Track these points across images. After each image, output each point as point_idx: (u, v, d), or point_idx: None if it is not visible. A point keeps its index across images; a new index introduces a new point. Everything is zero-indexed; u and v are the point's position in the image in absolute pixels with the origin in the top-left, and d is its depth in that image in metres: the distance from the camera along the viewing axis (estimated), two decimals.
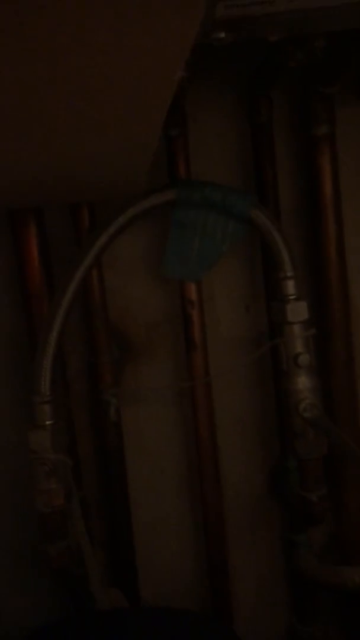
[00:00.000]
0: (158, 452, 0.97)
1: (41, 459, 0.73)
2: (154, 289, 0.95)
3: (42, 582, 0.94)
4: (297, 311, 0.79)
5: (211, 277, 0.93)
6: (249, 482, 0.99)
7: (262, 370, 0.96)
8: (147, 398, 0.96)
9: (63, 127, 0.38)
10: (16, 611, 0.96)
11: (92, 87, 0.31)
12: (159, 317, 0.95)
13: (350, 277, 0.92)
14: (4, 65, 0.29)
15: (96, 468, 0.95)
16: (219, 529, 0.95)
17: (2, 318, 0.92)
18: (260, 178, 0.89)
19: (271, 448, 0.98)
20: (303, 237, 0.92)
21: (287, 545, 0.98)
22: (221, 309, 0.96)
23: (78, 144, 0.40)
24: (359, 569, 0.90)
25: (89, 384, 0.93)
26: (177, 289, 0.92)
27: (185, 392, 0.94)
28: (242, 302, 0.96)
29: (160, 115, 0.41)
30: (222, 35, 0.50)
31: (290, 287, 0.81)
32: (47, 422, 0.76)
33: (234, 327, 0.96)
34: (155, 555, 0.98)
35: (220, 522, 0.95)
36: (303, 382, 0.79)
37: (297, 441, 0.81)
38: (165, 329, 0.95)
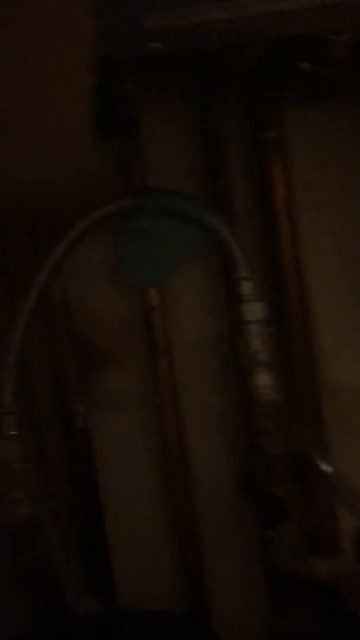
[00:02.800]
0: (128, 458, 0.98)
1: (7, 469, 0.74)
2: (117, 296, 0.96)
3: (17, 591, 0.94)
4: (254, 311, 0.82)
5: (172, 281, 0.95)
6: (220, 482, 1.00)
7: (228, 372, 0.97)
8: (114, 405, 0.97)
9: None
10: None
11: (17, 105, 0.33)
12: (123, 323, 0.97)
13: (306, 276, 0.94)
14: None
15: (67, 476, 0.96)
16: (192, 530, 0.96)
17: None
18: (214, 183, 0.92)
19: (241, 446, 0.99)
20: (258, 240, 0.94)
21: (261, 541, 0.99)
22: (184, 312, 0.98)
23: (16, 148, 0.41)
24: (330, 560, 0.92)
25: (55, 393, 0.94)
26: (139, 295, 0.93)
27: (152, 397, 0.95)
28: (204, 305, 0.98)
29: (82, 121, 0.42)
30: (159, 45, 0.52)
31: (247, 287, 0.83)
32: (12, 433, 0.77)
33: (197, 330, 0.98)
34: (130, 559, 0.98)
35: (193, 523, 0.96)
36: (263, 379, 0.81)
37: (262, 437, 0.83)
38: (130, 335, 0.97)
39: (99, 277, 0.95)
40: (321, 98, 0.93)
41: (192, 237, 0.87)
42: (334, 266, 0.99)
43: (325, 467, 0.61)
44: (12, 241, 0.89)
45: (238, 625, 1.01)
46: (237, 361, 0.93)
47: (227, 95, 0.91)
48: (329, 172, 0.97)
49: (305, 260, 0.95)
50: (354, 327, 1.00)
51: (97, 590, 0.94)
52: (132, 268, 0.87)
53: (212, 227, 0.84)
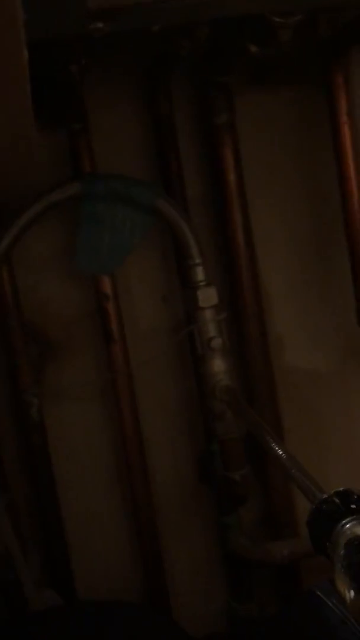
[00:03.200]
0: (84, 448, 0.97)
1: None
2: (69, 284, 0.94)
3: None
4: (207, 297, 0.81)
5: (126, 269, 0.94)
6: (177, 470, 1.00)
7: (183, 358, 0.97)
8: (69, 395, 0.95)
9: None
10: None
11: None
12: (76, 312, 0.95)
13: (259, 260, 0.95)
14: None
15: (22, 469, 0.94)
16: (150, 518, 0.96)
17: None
18: (165, 168, 0.91)
19: (197, 434, 0.99)
20: (211, 225, 0.94)
21: (219, 527, 0.99)
22: (138, 300, 0.97)
23: None
24: (285, 542, 0.93)
25: (8, 385, 0.92)
26: (92, 283, 0.92)
27: (107, 386, 0.94)
28: (158, 293, 0.97)
29: (23, 102, 0.41)
30: (100, 25, 0.51)
31: (199, 273, 0.82)
32: None
33: (151, 317, 0.97)
34: (89, 551, 0.98)
35: (151, 512, 0.96)
36: (218, 364, 0.81)
37: (217, 423, 0.83)
38: (84, 324, 0.95)
39: (49, 265, 0.94)
40: (270, 82, 0.93)
41: (142, 223, 0.86)
42: (286, 251, 0.99)
43: (278, 449, 0.61)
44: None
45: (197, 611, 1.02)
46: (192, 347, 0.93)
47: (175, 79, 0.90)
48: (279, 156, 0.97)
49: (258, 245, 0.95)
50: (306, 312, 1.01)
51: (56, 583, 0.93)
52: (85, 255, 0.86)
53: (163, 212, 0.84)
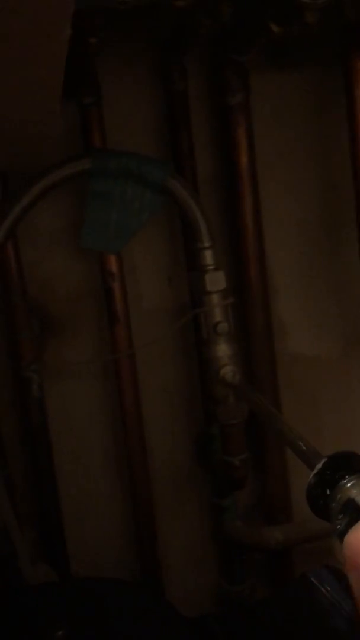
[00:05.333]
0: (84, 427, 0.97)
1: None
2: (74, 261, 0.93)
3: None
4: (216, 281, 0.80)
5: (132, 248, 0.92)
6: (175, 451, 1.00)
7: (185, 341, 0.97)
8: (70, 373, 0.95)
9: None
10: None
11: None
12: (80, 290, 0.94)
13: (267, 246, 0.94)
14: None
15: (21, 445, 0.94)
16: (147, 498, 0.96)
17: None
18: (177, 147, 0.89)
19: (196, 416, 0.99)
20: (220, 207, 0.93)
21: (214, 510, 1.00)
22: (143, 280, 0.96)
23: None
24: (280, 527, 0.93)
25: (9, 360, 0.91)
26: (98, 262, 0.91)
27: (109, 365, 0.94)
28: (164, 274, 0.96)
29: (55, 77, 0.40)
30: None
31: (208, 257, 0.81)
32: None
33: (156, 298, 0.96)
34: (84, 528, 0.98)
35: (148, 492, 0.96)
36: (223, 349, 0.81)
37: (219, 407, 0.83)
38: (87, 302, 0.95)
39: (55, 241, 0.92)
40: (287, 63, 0.91)
41: (151, 202, 0.85)
42: (294, 237, 0.98)
43: (284, 425, 0.62)
44: None
45: (190, 591, 1.03)
46: (195, 330, 0.92)
47: (190, 56, 0.88)
48: (291, 139, 0.95)
49: (266, 229, 0.94)
50: (311, 299, 1.00)
51: (50, 559, 0.94)
52: (92, 232, 0.84)
53: (174, 193, 0.82)
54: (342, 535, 0.32)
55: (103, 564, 0.98)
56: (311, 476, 0.40)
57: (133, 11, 0.62)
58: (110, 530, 0.99)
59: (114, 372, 0.93)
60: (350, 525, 0.32)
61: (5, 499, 0.82)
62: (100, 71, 0.86)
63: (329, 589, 0.78)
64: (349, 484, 0.35)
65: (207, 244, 0.82)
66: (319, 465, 0.39)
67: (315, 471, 0.39)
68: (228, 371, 0.80)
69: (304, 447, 0.64)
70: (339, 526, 0.34)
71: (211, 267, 0.81)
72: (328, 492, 0.37)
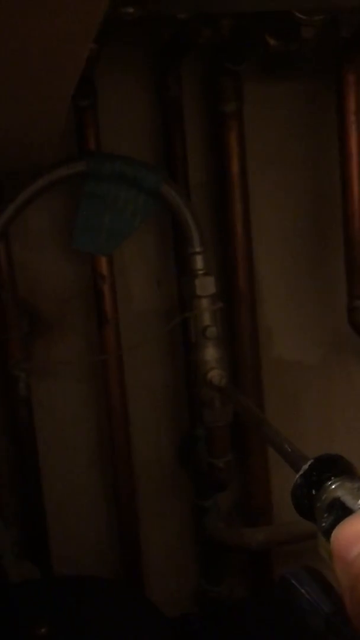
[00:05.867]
0: (69, 427, 0.97)
1: None
2: (65, 262, 0.94)
3: None
4: (205, 286, 0.82)
5: (122, 251, 0.93)
6: (159, 453, 1.01)
7: (173, 343, 0.98)
8: (58, 373, 0.95)
9: None
10: None
11: (3, 58, 0.31)
12: (70, 291, 0.95)
13: (256, 252, 0.95)
14: None
15: (6, 444, 0.94)
16: (130, 498, 0.97)
17: None
18: (170, 153, 0.90)
19: (181, 418, 1.00)
20: (211, 212, 0.94)
21: (196, 511, 1.01)
22: (133, 283, 0.97)
23: None
24: (261, 529, 0.95)
25: None
26: (89, 263, 0.91)
27: (97, 366, 0.95)
28: (153, 277, 0.97)
29: (70, 85, 0.41)
30: (130, 10, 0.50)
31: (199, 262, 0.83)
32: None
33: (145, 301, 0.97)
34: (67, 527, 0.99)
35: (132, 492, 0.97)
36: (211, 353, 0.82)
37: (205, 410, 0.84)
38: (77, 303, 0.95)
39: (47, 241, 0.93)
40: (281, 74, 0.93)
41: (144, 206, 0.86)
42: (282, 244, 1.00)
43: (269, 428, 0.64)
44: None
45: (170, 591, 1.04)
46: (183, 333, 0.93)
47: (186, 63, 0.90)
48: (282, 149, 0.97)
49: (254, 236, 0.95)
50: (296, 306, 1.02)
51: (32, 556, 0.94)
52: (84, 234, 0.85)
53: (167, 198, 0.84)
54: (327, 532, 0.33)
55: (85, 562, 0.99)
56: (297, 477, 0.41)
57: (133, 20, 0.63)
58: (93, 528, 1.00)
59: (102, 372, 0.94)
60: (336, 522, 0.33)
61: None
62: (97, 75, 0.86)
63: (308, 589, 0.80)
64: (333, 485, 0.36)
65: (198, 249, 0.83)
66: (305, 467, 0.40)
67: (301, 472, 0.41)
68: (215, 375, 0.82)
69: (289, 450, 0.66)
70: (324, 524, 0.35)
71: (201, 272, 0.83)
72: (313, 492, 0.38)
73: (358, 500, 0.34)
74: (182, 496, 1.03)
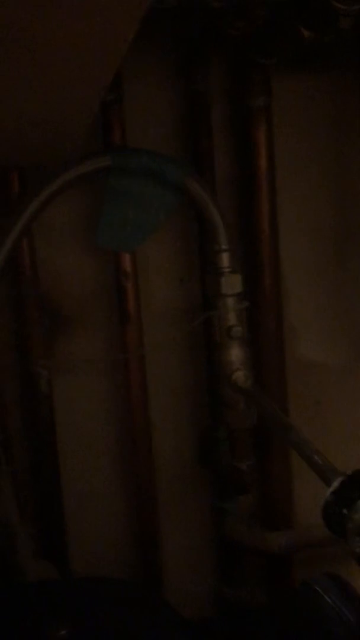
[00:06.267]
0: (90, 425, 0.96)
1: None
2: (88, 259, 0.93)
3: None
4: (232, 284, 0.80)
5: (145, 248, 0.92)
6: (179, 453, 1.00)
7: (195, 342, 0.96)
8: (79, 370, 0.94)
9: (4, 88, 0.35)
10: None
11: (46, 46, 0.29)
12: (92, 287, 0.94)
13: (282, 250, 0.93)
14: None
15: (26, 441, 0.93)
16: (150, 498, 0.96)
17: None
18: (196, 148, 0.89)
19: (202, 419, 0.99)
20: (237, 209, 0.92)
21: (216, 513, 1.00)
22: (155, 281, 0.95)
23: (17, 104, 0.38)
24: (283, 533, 0.93)
25: (18, 356, 0.91)
26: (112, 260, 0.90)
27: (118, 364, 0.93)
28: (176, 275, 0.96)
29: (108, 77, 0.40)
30: None
31: (225, 259, 0.81)
32: None
33: (168, 299, 0.96)
34: (85, 526, 0.98)
35: (152, 492, 0.96)
36: (235, 353, 0.80)
37: (228, 412, 0.82)
38: (99, 300, 0.94)
39: (68, 237, 0.92)
40: (311, 68, 0.91)
41: (170, 202, 0.84)
42: (308, 242, 0.98)
43: (297, 436, 0.62)
44: None
45: (188, 593, 1.02)
46: (206, 333, 0.92)
47: (215, 57, 0.88)
48: (310, 145, 0.95)
49: (282, 235, 0.93)
50: (322, 306, 1.00)
51: (50, 555, 0.93)
52: (107, 230, 0.84)
53: (192, 193, 0.82)
54: None
55: (103, 562, 0.98)
56: (328, 494, 0.39)
57: (163, 10, 0.61)
58: (112, 526, 0.99)
59: (123, 371, 0.92)
60: None
61: (10, 495, 0.82)
62: (123, 69, 0.85)
63: (332, 597, 0.78)
64: None
65: (224, 246, 0.81)
66: (335, 484, 0.39)
67: (332, 489, 0.39)
68: (240, 376, 0.80)
69: (319, 461, 0.63)
70: (358, 549, 0.34)
71: (227, 270, 0.81)
72: (345, 511, 0.37)
73: None
74: (202, 497, 1.01)
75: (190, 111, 0.89)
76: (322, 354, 1.01)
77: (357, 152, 0.91)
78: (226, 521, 0.98)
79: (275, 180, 0.90)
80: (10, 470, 0.85)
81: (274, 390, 0.94)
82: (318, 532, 0.92)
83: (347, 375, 1.01)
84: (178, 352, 0.97)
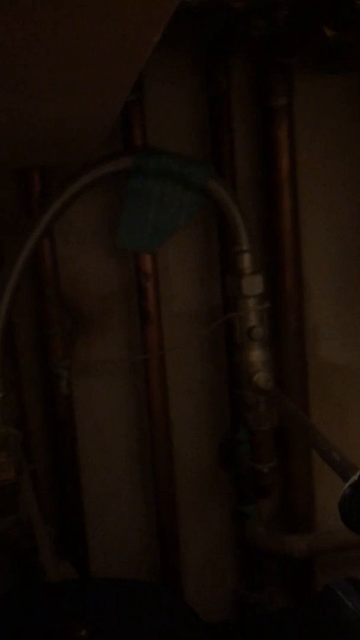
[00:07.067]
0: (109, 425, 0.96)
1: None
2: (108, 259, 0.93)
3: None
4: (253, 285, 0.79)
5: (166, 249, 0.92)
6: (199, 454, 1.00)
7: (215, 343, 0.96)
8: (99, 371, 0.94)
9: (29, 89, 0.35)
10: None
11: (70, 48, 0.29)
12: (112, 288, 0.94)
13: (303, 251, 0.93)
14: None
15: (47, 441, 0.93)
16: (170, 500, 0.95)
17: None
18: (218, 148, 0.88)
19: (222, 420, 0.98)
20: (258, 209, 0.91)
21: (237, 515, 0.99)
22: (175, 281, 0.95)
23: (41, 105, 0.38)
24: (305, 537, 0.92)
25: (39, 356, 0.91)
26: (132, 261, 0.90)
27: (138, 365, 0.93)
28: (196, 275, 0.95)
29: (131, 78, 0.39)
30: None
31: (246, 260, 0.80)
32: None
33: (188, 300, 0.95)
34: (105, 527, 0.98)
35: (172, 493, 0.96)
36: (256, 355, 0.80)
37: (249, 413, 0.82)
38: (119, 300, 0.94)
39: (90, 238, 0.92)
40: (332, 68, 0.90)
41: (191, 203, 0.84)
42: (329, 243, 0.97)
43: (320, 437, 0.62)
44: (3, 196, 0.84)
45: (208, 595, 1.02)
46: (226, 334, 0.91)
47: (237, 56, 0.87)
48: (332, 145, 0.94)
49: (303, 235, 0.93)
50: (344, 308, 0.99)
51: (71, 555, 0.93)
52: (128, 231, 0.84)
53: (214, 194, 0.81)
54: None
55: (123, 561, 0.98)
56: (346, 487, 0.39)
57: (184, 10, 0.61)
58: (132, 527, 0.99)
59: (143, 371, 0.92)
60: None
61: (32, 495, 0.82)
62: (144, 69, 0.85)
63: (355, 602, 0.77)
64: None
65: (245, 247, 0.81)
66: (354, 477, 0.38)
67: (350, 482, 0.38)
68: (261, 377, 0.79)
69: (338, 459, 0.64)
70: None
71: (249, 271, 0.81)
72: None
73: None
74: (222, 499, 1.01)
75: (211, 111, 0.89)
76: (344, 356, 1.00)
77: None
78: (247, 524, 0.97)
79: (297, 180, 0.89)
80: (32, 470, 0.85)
81: (295, 392, 0.93)
82: (340, 536, 0.91)
83: None
84: (198, 353, 0.97)
